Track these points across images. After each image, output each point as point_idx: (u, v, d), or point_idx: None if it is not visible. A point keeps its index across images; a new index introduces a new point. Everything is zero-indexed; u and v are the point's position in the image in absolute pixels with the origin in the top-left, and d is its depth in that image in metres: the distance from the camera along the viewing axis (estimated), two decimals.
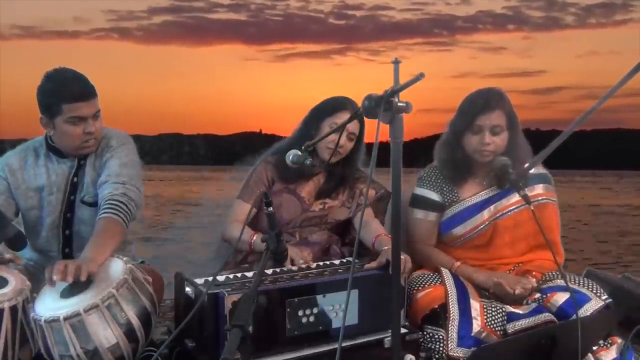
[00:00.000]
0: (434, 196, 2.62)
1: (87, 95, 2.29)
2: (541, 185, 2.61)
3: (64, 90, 2.26)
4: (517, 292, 2.33)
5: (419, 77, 1.50)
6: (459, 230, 2.58)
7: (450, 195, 2.61)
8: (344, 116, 2.50)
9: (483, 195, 2.59)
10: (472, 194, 2.59)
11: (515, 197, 2.51)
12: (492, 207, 2.56)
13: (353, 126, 2.53)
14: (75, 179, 2.41)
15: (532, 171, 2.54)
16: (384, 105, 1.56)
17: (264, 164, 2.62)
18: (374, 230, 2.50)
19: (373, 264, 2.24)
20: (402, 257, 2.04)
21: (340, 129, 2.51)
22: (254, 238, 2.40)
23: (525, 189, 2.38)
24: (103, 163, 2.39)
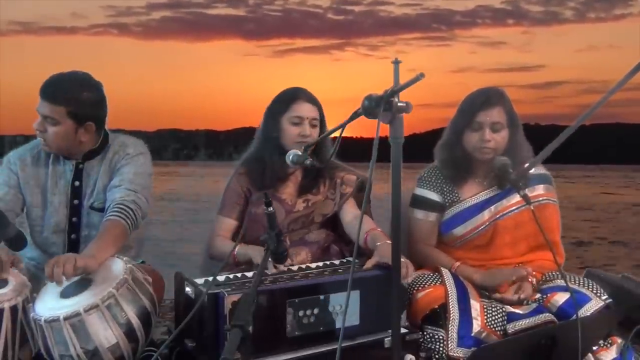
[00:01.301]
0: (434, 196, 2.61)
1: (48, 96, 2.28)
2: (542, 185, 2.60)
3: (44, 83, 2.29)
4: (522, 296, 2.33)
5: (419, 77, 1.50)
6: (459, 230, 2.57)
7: (451, 196, 2.60)
8: (299, 107, 2.49)
9: (483, 195, 2.58)
10: (472, 194, 2.59)
11: (516, 198, 2.51)
12: (492, 207, 2.56)
13: (310, 112, 2.50)
14: (77, 183, 2.41)
15: (532, 171, 2.54)
16: (383, 105, 1.56)
17: (236, 177, 2.58)
18: (364, 226, 2.42)
19: (369, 264, 2.21)
20: (402, 260, 2.03)
21: (342, 127, 2.49)
22: (237, 249, 2.38)
23: (526, 190, 2.38)
24: (117, 169, 2.39)
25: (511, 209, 2.55)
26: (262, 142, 2.57)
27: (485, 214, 2.55)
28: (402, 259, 2.00)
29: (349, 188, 2.59)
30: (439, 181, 2.63)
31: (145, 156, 2.48)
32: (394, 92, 1.56)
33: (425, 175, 2.67)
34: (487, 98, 2.47)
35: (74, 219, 2.42)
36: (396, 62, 1.58)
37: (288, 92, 2.55)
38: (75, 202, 2.41)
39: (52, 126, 2.30)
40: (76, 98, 2.30)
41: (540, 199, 2.57)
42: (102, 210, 2.37)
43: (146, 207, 2.34)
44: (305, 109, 2.50)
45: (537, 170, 2.59)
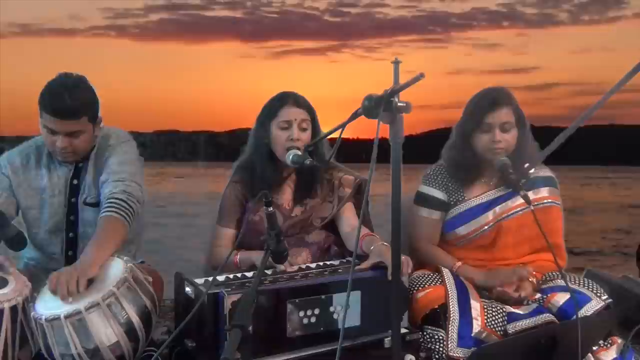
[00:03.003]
0: (439, 195, 2.61)
1: (63, 114, 2.23)
2: (546, 188, 2.60)
3: (45, 99, 2.24)
4: (522, 295, 2.34)
5: (419, 77, 1.50)
6: (462, 230, 2.57)
7: (456, 195, 2.60)
8: (286, 111, 2.45)
9: (489, 195, 2.58)
10: (478, 194, 2.59)
11: (521, 199, 2.50)
12: (497, 208, 2.55)
13: (298, 115, 2.46)
14: (75, 182, 2.41)
15: (538, 173, 2.54)
16: (384, 105, 1.56)
17: (231, 185, 2.57)
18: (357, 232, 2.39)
19: (363, 265, 2.19)
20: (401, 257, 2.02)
21: (342, 127, 2.48)
22: (238, 256, 2.39)
23: (531, 192, 2.38)
24: (103, 162, 2.38)
25: (515, 210, 2.54)
26: (253, 148, 2.55)
27: (490, 215, 2.55)
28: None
29: (348, 189, 2.57)
30: (445, 180, 2.62)
31: (128, 143, 2.46)
32: (394, 92, 1.56)
33: (431, 173, 2.66)
34: (494, 99, 2.47)
35: (72, 217, 2.41)
36: (396, 62, 1.58)
37: (276, 98, 2.52)
38: (73, 200, 2.41)
39: (78, 138, 2.30)
40: (89, 103, 2.30)
41: (545, 201, 2.57)
42: (94, 205, 2.37)
43: (138, 191, 2.31)
44: (292, 113, 2.46)
45: (543, 172, 2.59)
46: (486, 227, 2.55)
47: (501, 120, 2.45)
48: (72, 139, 2.29)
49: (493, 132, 2.46)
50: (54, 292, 1.91)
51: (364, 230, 2.41)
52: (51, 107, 2.23)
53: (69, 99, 2.23)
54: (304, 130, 2.47)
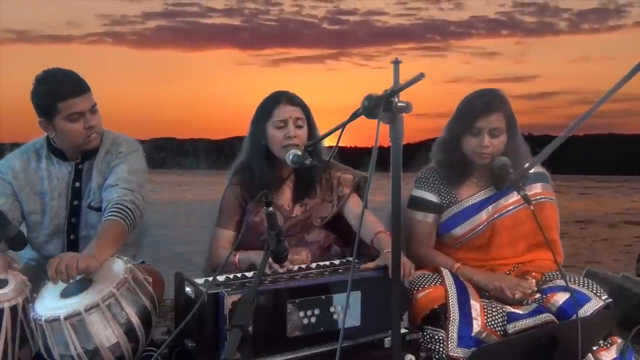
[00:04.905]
0: (432, 197, 2.62)
1: (80, 90, 2.28)
2: (539, 184, 2.61)
3: (56, 89, 2.26)
4: (517, 296, 2.34)
5: (419, 77, 1.50)
6: (458, 231, 2.58)
7: (448, 197, 2.61)
8: (281, 110, 2.46)
9: (481, 195, 2.59)
10: (470, 194, 2.60)
11: (513, 197, 2.51)
12: (490, 207, 2.56)
13: (293, 113, 2.47)
14: (77, 184, 2.41)
15: (530, 170, 2.54)
16: (384, 105, 1.55)
17: (231, 188, 2.58)
18: (371, 227, 2.39)
19: (370, 265, 2.20)
20: (403, 260, 2.01)
21: (342, 127, 2.48)
22: (237, 256, 2.39)
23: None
24: (111, 168, 2.39)
25: (508, 208, 2.55)
26: (250, 150, 2.55)
27: (483, 214, 2.56)
28: (404, 259, 1.99)
29: (347, 188, 2.57)
30: (437, 182, 2.63)
31: (138, 153, 2.48)
32: (394, 92, 1.56)
33: (422, 176, 2.67)
34: (486, 103, 2.46)
35: (73, 220, 2.41)
36: (396, 62, 1.57)
37: (269, 98, 2.53)
38: (75, 202, 2.41)
39: (96, 113, 2.37)
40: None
41: (538, 197, 2.58)
42: (99, 209, 2.36)
43: (143, 205, 2.33)
44: (287, 111, 2.46)
45: (535, 169, 2.59)
46: (480, 226, 2.56)
47: (491, 125, 2.45)
48: (95, 115, 2.35)
49: (482, 137, 2.46)
50: (53, 277, 1.91)
51: (378, 227, 2.40)
52: (70, 87, 2.27)
53: (72, 76, 2.30)
54: (300, 127, 2.48)
